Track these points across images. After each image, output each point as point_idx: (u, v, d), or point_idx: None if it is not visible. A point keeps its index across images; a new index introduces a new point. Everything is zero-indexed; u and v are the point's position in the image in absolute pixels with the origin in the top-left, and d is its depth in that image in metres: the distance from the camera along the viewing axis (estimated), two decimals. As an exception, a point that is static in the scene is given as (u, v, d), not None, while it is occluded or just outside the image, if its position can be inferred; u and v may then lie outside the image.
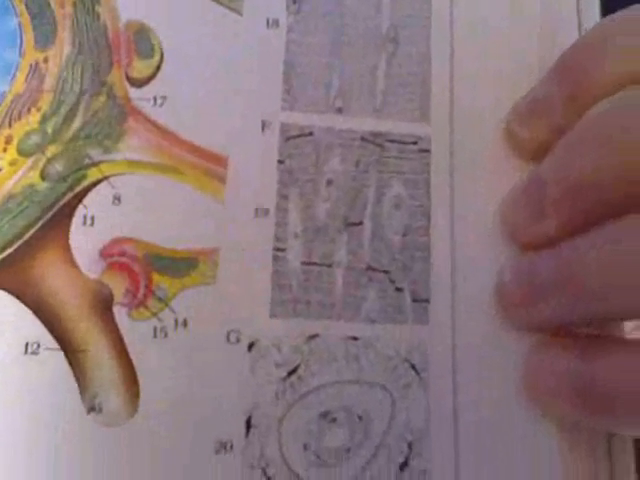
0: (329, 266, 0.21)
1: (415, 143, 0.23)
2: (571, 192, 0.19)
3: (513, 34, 0.24)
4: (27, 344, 0.20)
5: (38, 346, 0.20)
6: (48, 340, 0.20)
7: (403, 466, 0.20)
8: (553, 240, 0.20)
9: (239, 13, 0.23)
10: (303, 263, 0.21)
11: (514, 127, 0.23)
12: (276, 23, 0.23)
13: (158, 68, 0.22)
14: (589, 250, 0.18)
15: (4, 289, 0.20)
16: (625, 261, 0.17)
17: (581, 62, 0.21)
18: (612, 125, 0.19)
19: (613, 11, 0.21)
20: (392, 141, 0.23)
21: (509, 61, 0.24)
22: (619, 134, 0.18)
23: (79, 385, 0.19)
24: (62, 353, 0.20)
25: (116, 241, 0.21)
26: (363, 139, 0.23)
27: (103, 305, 0.20)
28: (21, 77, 0.21)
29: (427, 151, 0.23)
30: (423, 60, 0.23)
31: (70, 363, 0.20)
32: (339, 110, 0.23)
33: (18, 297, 0.20)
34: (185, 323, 0.20)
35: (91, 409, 0.19)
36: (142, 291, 0.20)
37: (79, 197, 0.21)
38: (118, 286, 0.20)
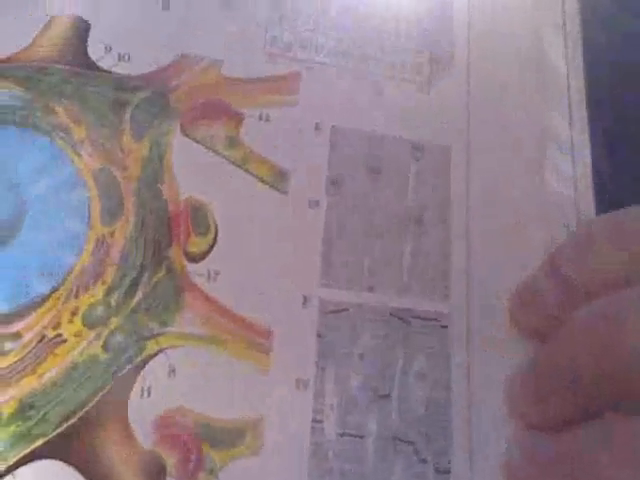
0: (361, 437, 0.24)
1: (436, 320, 0.26)
2: (560, 388, 0.22)
3: (524, 217, 0.27)
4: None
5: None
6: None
7: None
8: (556, 423, 0.22)
9: (285, 193, 0.25)
10: (338, 434, 0.23)
11: (514, 312, 0.25)
12: (317, 203, 0.26)
13: (213, 244, 0.24)
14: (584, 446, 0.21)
15: (66, 462, 0.21)
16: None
17: (570, 266, 0.23)
18: (592, 335, 0.21)
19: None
20: (416, 317, 0.25)
21: (518, 238, 0.27)
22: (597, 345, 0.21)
23: None
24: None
25: (170, 412, 0.22)
26: (392, 315, 0.25)
27: (156, 476, 0.22)
28: (88, 249, 0.23)
29: (446, 327, 0.25)
30: (444, 240, 0.26)
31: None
32: (370, 288, 0.25)
33: (78, 469, 0.21)
34: (232, 492, 0.22)
35: None
36: (193, 463, 0.22)
37: (138, 369, 0.22)
38: (170, 457, 0.22)
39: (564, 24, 0.30)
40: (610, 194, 0.28)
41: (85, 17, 0.26)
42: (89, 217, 0.23)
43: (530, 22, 0.30)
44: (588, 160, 0.28)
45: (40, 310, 0.22)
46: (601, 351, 0.21)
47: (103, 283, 0.23)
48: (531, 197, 0.28)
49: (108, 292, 0.23)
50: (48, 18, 0.25)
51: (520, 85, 0.29)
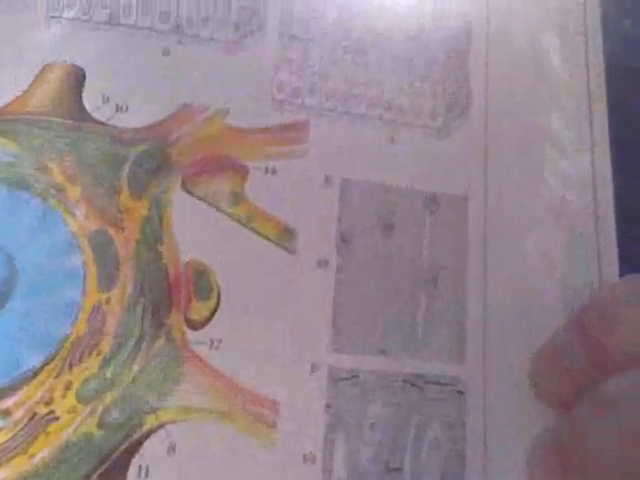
0: (372, 514, 0.22)
1: (452, 384, 0.24)
2: (584, 467, 0.20)
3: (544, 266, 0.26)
4: None
5: None
6: None
7: None
8: None
9: (292, 253, 0.24)
10: (348, 512, 0.22)
11: (535, 377, 0.24)
12: (326, 263, 0.24)
13: (215, 309, 0.23)
14: None
15: None
16: None
17: (597, 332, 0.22)
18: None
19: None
20: (430, 382, 0.24)
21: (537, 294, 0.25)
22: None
23: None
24: None
25: (170, 492, 0.21)
26: (404, 381, 0.24)
27: None
28: (83, 318, 0.22)
29: (462, 393, 0.24)
30: (459, 300, 0.25)
31: None
32: (383, 352, 0.24)
33: None
34: None
35: None
36: None
37: (135, 446, 0.21)
38: None
39: (587, 63, 0.28)
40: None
41: (81, 65, 0.24)
42: (84, 283, 0.22)
43: (548, 62, 0.28)
44: (611, 214, 0.26)
45: (31, 384, 0.21)
46: (631, 439, 0.19)
47: (98, 354, 0.22)
48: (552, 245, 0.26)
49: (104, 364, 0.22)
50: (42, 66, 0.24)
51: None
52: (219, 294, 0.23)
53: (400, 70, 0.27)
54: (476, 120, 0.27)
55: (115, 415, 0.21)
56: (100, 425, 0.21)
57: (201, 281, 0.23)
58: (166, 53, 0.25)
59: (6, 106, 0.23)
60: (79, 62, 0.24)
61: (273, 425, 0.22)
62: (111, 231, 0.23)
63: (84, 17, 0.25)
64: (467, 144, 0.26)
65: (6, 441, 0.21)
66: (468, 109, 0.27)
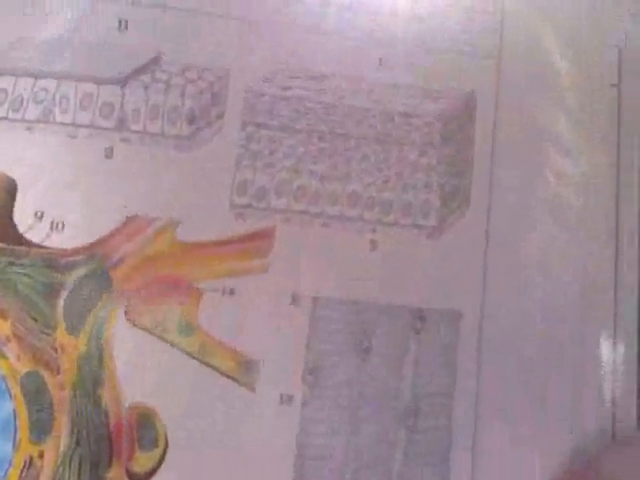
0: None
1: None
2: None
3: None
4: None
5: None
6: None
7: None
8: None
9: (252, 389, 0.21)
10: None
11: None
12: (290, 399, 0.21)
13: (161, 460, 0.20)
14: None
15: None
16: None
17: None
18: None
19: None
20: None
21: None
22: None
23: None
24: None
25: None
26: (377, 532, 0.21)
27: None
28: (14, 475, 0.20)
29: None
30: (444, 439, 0.22)
31: None
32: (353, 498, 0.21)
33: None
34: None
35: None
36: None
37: None
38: None
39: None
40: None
41: (11, 173, 0.21)
42: (15, 434, 0.20)
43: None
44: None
45: None
46: None
47: (31, 515, 0.20)
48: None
49: (36, 526, 0.20)
50: (-32, 176, 0.21)
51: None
52: (166, 443, 0.21)
53: (386, 159, 0.23)
54: (475, 217, 0.23)
55: None
56: None
57: (146, 427, 0.20)
58: (109, 155, 0.22)
59: None
60: (9, 171, 0.21)
61: None
62: (44, 374, 0.20)
63: (14, 115, 0.21)
64: (464, 245, 0.23)
65: None
66: (466, 202, 0.23)
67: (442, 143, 0.23)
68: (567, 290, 0.23)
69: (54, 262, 0.21)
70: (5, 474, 0.20)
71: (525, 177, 0.23)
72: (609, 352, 0.22)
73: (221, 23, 0.23)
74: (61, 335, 0.21)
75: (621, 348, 0.23)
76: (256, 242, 0.22)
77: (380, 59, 0.24)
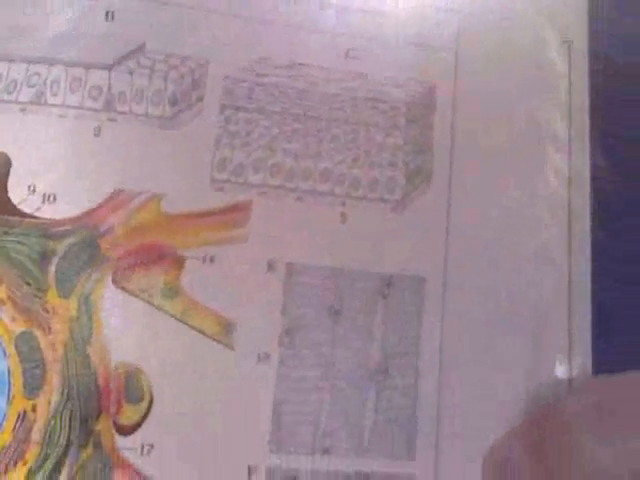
0: None
1: (400, 483, 0.23)
2: None
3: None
4: None
5: None
6: None
7: None
8: None
9: (231, 348, 0.23)
10: None
11: None
12: (267, 357, 0.23)
13: (147, 414, 0.22)
14: None
15: None
16: None
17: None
18: None
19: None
20: (378, 481, 0.23)
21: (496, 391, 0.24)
22: None
23: None
24: None
25: None
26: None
27: None
28: (8, 427, 0.21)
29: (413, 492, 0.23)
30: (411, 393, 0.23)
31: None
32: (326, 450, 0.23)
33: None
34: None
35: None
36: None
37: None
38: None
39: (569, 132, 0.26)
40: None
41: (6, 151, 0.23)
42: (9, 390, 0.21)
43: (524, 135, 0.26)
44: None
45: (-44, 498, 0.21)
46: None
47: (24, 464, 0.21)
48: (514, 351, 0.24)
49: (29, 474, 0.21)
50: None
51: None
52: (152, 397, 0.22)
53: (355, 141, 0.25)
54: (437, 192, 0.25)
55: (41, 528, 0.21)
56: (25, 542, 0.21)
57: (132, 383, 0.22)
58: (97, 133, 0.23)
59: None
60: (3, 148, 0.23)
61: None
62: (38, 333, 0.22)
63: (8, 97, 0.23)
64: (426, 218, 0.25)
65: None
66: (429, 178, 0.25)
67: (407, 126, 0.25)
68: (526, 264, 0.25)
69: (46, 231, 0.22)
70: (0, 426, 0.21)
71: (484, 156, 0.25)
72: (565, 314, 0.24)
73: (202, 16, 0.25)
74: (53, 298, 0.22)
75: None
76: (234, 214, 0.24)
77: (347, 50, 0.26)
